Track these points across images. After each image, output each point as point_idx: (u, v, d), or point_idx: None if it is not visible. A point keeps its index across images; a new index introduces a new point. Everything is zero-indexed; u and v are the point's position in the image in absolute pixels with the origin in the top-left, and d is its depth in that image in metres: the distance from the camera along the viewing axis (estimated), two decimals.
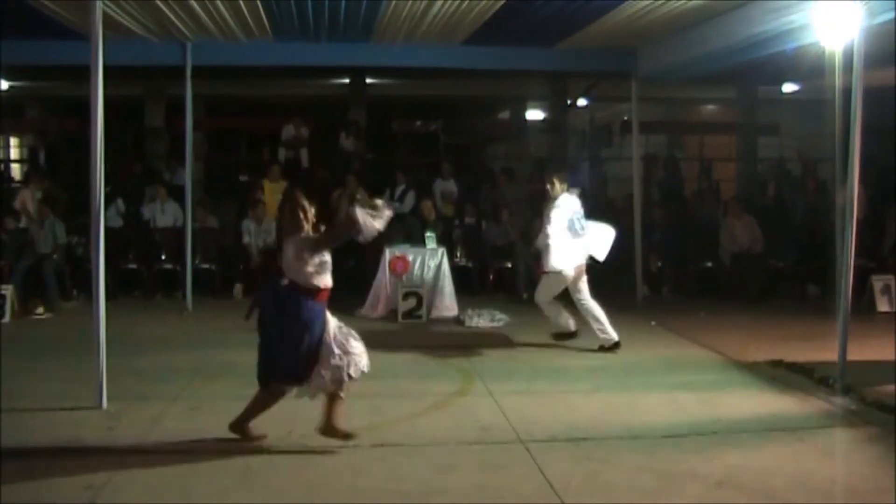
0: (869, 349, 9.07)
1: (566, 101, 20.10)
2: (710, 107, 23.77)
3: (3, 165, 20.20)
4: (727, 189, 18.63)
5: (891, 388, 7.44)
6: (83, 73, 7.11)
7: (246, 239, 13.73)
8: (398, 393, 7.67)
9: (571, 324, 9.87)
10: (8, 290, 11.53)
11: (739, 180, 19.47)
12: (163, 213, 14.09)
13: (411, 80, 18.86)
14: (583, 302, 9.63)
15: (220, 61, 12.64)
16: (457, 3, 10.17)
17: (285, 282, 6.02)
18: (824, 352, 8.27)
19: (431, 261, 12.04)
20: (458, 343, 10.04)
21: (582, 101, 20.26)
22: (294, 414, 6.86)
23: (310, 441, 6.14)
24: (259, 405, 6.24)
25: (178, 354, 9.20)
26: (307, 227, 6.09)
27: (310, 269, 5.96)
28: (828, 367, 7.91)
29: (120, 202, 14.26)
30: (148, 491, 5.19)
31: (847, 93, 7.64)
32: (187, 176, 12.62)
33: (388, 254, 11.97)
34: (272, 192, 14.45)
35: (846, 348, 7.65)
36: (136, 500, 5.03)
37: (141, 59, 12.32)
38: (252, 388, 7.70)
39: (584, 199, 10.30)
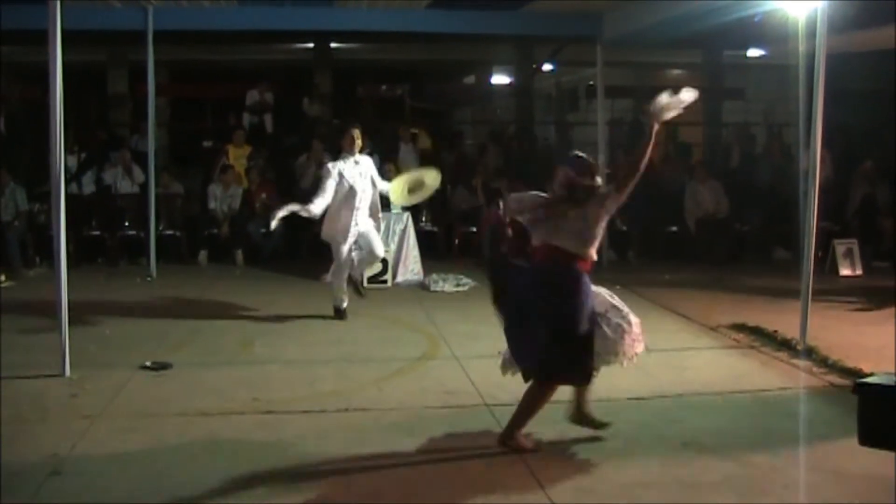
0: (831, 312, 9.19)
1: (532, 66, 20.05)
2: (676, 71, 23.73)
3: None
4: (692, 153, 18.65)
5: (851, 349, 7.53)
6: (44, 39, 6.99)
7: (212, 204, 13.62)
8: (364, 357, 7.69)
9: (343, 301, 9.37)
10: None
11: (705, 144, 19.50)
12: (124, 180, 13.93)
13: (376, 44, 18.72)
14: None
15: (183, 26, 12.50)
16: None
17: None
18: (787, 314, 8.38)
19: (397, 225, 11.93)
20: (423, 308, 10.05)
21: (548, 66, 20.24)
22: (260, 380, 6.88)
23: (276, 407, 6.14)
24: (533, 408, 5.32)
25: (142, 322, 9.13)
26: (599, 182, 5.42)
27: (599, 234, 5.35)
28: (791, 329, 8.00)
29: (96, 169, 14.09)
30: (113, 458, 5.16)
31: (811, 58, 7.67)
32: (150, 142, 12.42)
33: None
34: (237, 158, 14.38)
35: (808, 311, 7.74)
36: (101, 468, 5.00)
37: (102, 24, 12.14)
38: (215, 355, 7.76)
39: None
